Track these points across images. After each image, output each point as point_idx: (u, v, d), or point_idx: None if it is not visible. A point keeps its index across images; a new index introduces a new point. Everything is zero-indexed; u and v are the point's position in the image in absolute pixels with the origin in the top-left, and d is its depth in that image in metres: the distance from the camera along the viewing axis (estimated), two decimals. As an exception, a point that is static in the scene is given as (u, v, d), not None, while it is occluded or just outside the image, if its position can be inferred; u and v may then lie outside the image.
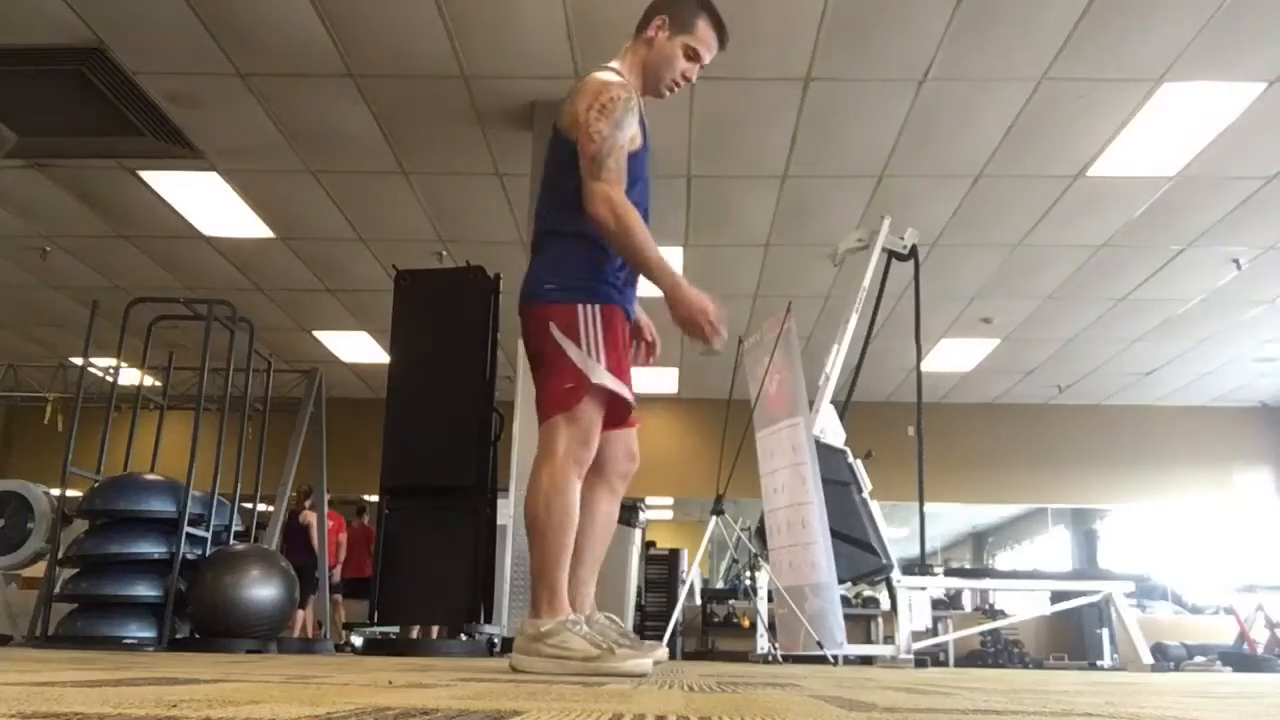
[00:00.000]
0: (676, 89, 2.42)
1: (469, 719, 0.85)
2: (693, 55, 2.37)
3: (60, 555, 5.16)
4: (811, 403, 5.56)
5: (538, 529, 2.18)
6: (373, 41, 4.99)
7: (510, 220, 6.87)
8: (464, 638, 5.03)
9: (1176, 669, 7.56)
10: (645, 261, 2.19)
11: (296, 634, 7.91)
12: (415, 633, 6.04)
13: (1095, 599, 5.86)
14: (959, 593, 9.99)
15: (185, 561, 5.02)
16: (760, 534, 6.09)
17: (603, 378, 2.20)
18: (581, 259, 2.26)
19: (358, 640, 7.24)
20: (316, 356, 9.64)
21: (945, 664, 7.54)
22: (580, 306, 2.23)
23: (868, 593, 9.47)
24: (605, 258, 2.27)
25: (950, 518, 16.04)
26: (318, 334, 9.58)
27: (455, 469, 5.10)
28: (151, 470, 5.48)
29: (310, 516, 8.20)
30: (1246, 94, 5.24)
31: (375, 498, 6.04)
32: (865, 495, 5.38)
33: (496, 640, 5.17)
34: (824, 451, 5.37)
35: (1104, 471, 11.23)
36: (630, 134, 2.25)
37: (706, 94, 5.40)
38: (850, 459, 5.45)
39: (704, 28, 2.36)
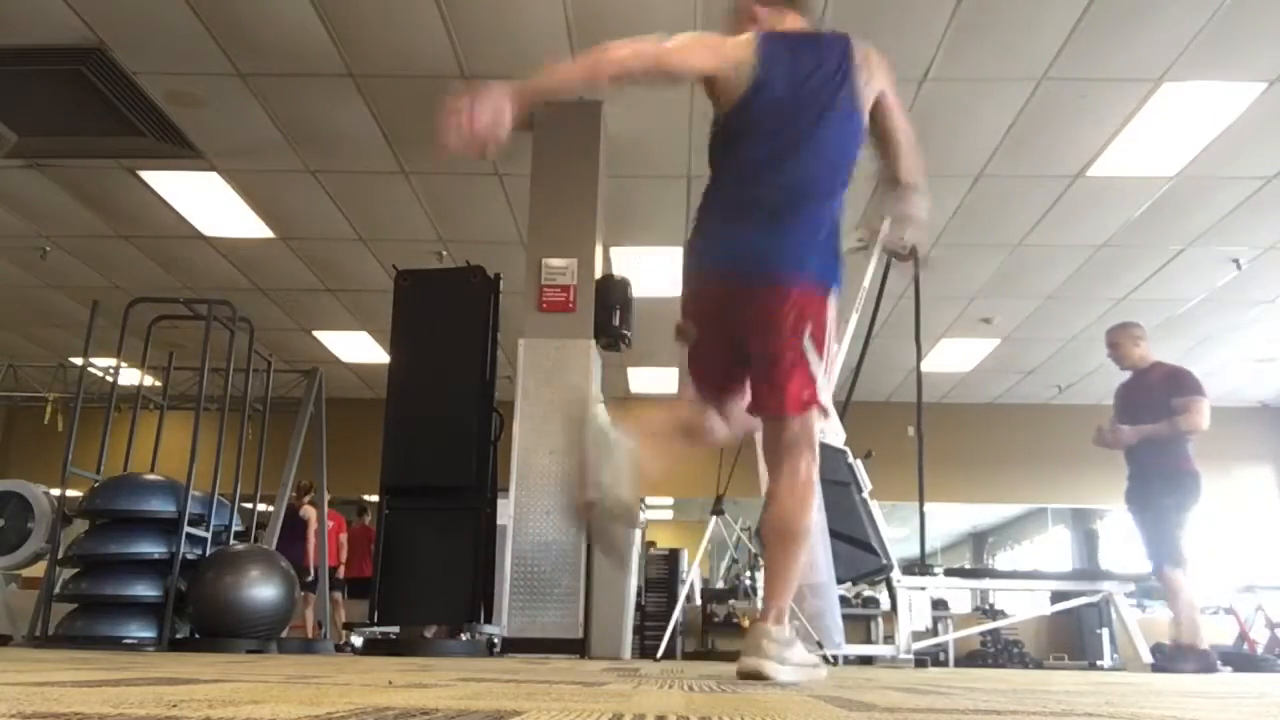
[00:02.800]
0: None
1: (469, 719, 0.85)
2: None
3: (60, 555, 5.15)
4: (811, 403, 5.54)
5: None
6: (373, 41, 4.99)
7: (510, 220, 6.86)
8: (464, 638, 5.03)
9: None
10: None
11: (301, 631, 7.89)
12: (430, 632, 5.99)
13: (1095, 599, 5.86)
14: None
15: (185, 561, 5.02)
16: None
17: (825, 398, 2.13)
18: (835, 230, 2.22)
19: (358, 640, 7.22)
20: (316, 356, 9.63)
21: (945, 664, 7.54)
22: (830, 300, 2.17)
23: (868, 593, 9.47)
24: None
25: (950, 518, 16.03)
26: (318, 334, 9.58)
27: (455, 469, 5.10)
28: (151, 470, 5.47)
29: (310, 511, 8.17)
30: (1246, 94, 5.23)
31: (375, 498, 6.04)
32: (865, 495, 5.38)
33: (496, 640, 5.17)
34: (824, 451, 5.35)
35: (1104, 471, 11.12)
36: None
37: (706, 94, 5.39)
38: (850, 459, 5.45)
39: None
